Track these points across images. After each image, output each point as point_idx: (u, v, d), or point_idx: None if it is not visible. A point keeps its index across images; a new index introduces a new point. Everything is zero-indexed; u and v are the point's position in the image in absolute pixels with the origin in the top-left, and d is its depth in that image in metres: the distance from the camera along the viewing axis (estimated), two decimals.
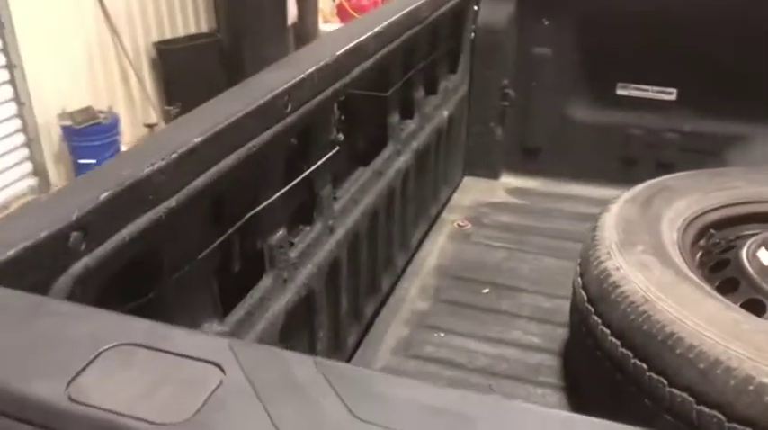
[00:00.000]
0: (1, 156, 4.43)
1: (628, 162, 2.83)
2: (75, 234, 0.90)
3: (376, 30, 1.79)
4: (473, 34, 2.73)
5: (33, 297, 0.77)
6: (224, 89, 5.46)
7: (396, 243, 2.21)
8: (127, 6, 5.36)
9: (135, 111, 5.52)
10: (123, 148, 5.07)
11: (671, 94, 2.72)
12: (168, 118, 5.26)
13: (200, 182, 1.15)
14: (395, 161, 2.10)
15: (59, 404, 0.60)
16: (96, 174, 1.03)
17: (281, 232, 1.49)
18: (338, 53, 1.61)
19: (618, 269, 1.60)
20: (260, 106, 1.31)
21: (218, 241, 1.27)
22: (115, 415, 0.59)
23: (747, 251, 1.74)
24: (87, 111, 4.81)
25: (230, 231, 1.31)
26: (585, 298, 1.68)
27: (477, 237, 2.54)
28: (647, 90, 2.75)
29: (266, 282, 1.46)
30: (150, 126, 5.06)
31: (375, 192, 1.95)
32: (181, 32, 6.04)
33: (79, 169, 4.82)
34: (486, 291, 2.26)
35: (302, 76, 1.46)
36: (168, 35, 5.88)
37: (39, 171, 4.73)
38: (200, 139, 1.14)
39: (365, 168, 1.94)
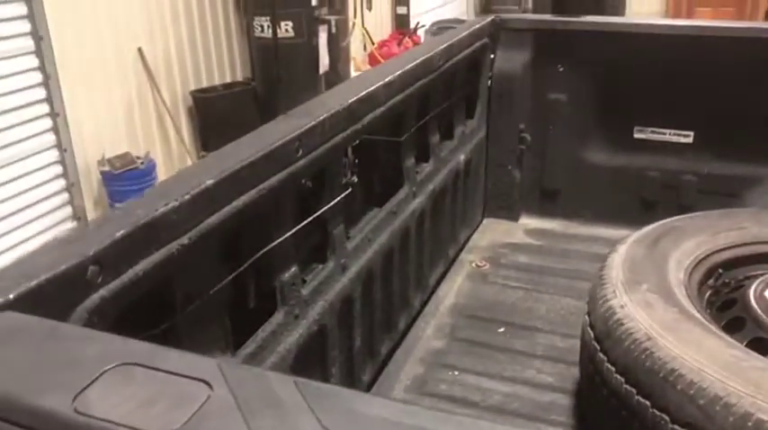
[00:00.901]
0: (43, 201, 4.63)
1: (646, 204, 2.86)
2: (92, 268, 0.99)
3: (387, 79, 1.89)
4: (490, 81, 2.81)
5: (49, 322, 0.85)
6: None
7: (412, 282, 2.27)
8: (165, 56, 5.60)
9: (171, 157, 5.72)
10: None
11: (688, 137, 2.76)
12: None
13: (211, 221, 1.23)
14: (410, 202, 2.17)
15: (66, 415, 0.68)
16: (114, 214, 1.13)
17: (293, 269, 1.56)
18: (349, 101, 1.70)
19: (623, 307, 1.64)
20: (271, 151, 1.40)
21: (230, 277, 1.34)
22: (115, 425, 0.67)
23: (755, 291, 1.76)
24: (125, 157, 5.00)
25: (242, 268, 1.39)
26: (593, 335, 1.71)
27: (494, 277, 2.59)
28: (665, 133, 2.80)
29: (278, 317, 1.53)
30: None
31: (389, 232, 2.02)
32: (217, 81, 6.27)
33: None
34: (501, 330, 2.30)
35: (313, 122, 1.55)
36: (205, 83, 6.11)
37: (78, 214, 4.91)
38: (211, 182, 1.23)
39: (379, 209, 2.02)
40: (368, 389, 2.01)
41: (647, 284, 1.70)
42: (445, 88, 2.40)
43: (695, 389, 1.40)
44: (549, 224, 2.96)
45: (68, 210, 4.88)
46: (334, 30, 6.69)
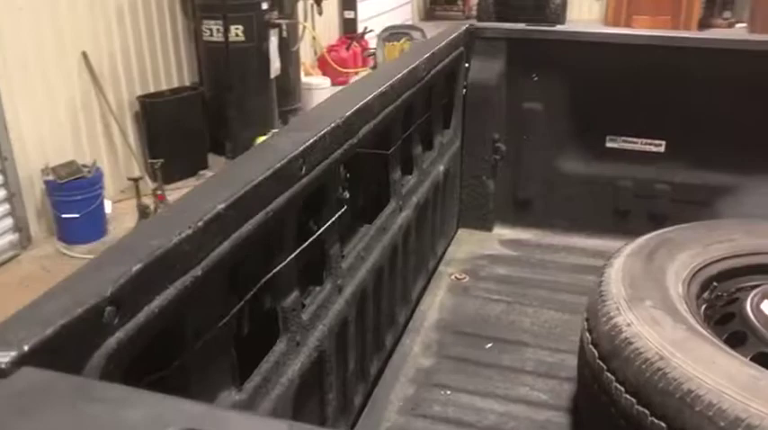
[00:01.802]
0: None
1: (619, 213, 2.87)
2: (109, 308, 0.89)
3: (380, 90, 1.82)
4: (464, 90, 2.77)
5: (75, 379, 0.75)
6: (207, 142, 5.52)
7: (398, 298, 2.20)
8: (111, 60, 5.38)
9: (118, 165, 5.50)
10: (107, 203, 5.03)
11: (660, 146, 2.78)
12: (153, 172, 5.23)
13: (223, 249, 1.14)
14: (397, 217, 2.10)
15: None
16: (125, 246, 1.02)
17: (294, 294, 1.47)
18: (347, 114, 1.62)
19: (629, 325, 1.61)
20: (277, 170, 1.31)
21: (238, 307, 1.25)
22: None
23: (751, 304, 1.76)
24: (71, 166, 4.77)
25: (248, 296, 1.30)
26: (597, 354, 1.67)
27: (475, 291, 2.54)
28: (637, 143, 2.81)
29: (280, 346, 1.44)
30: (134, 180, 5.02)
31: (380, 249, 1.95)
32: (164, 86, 6.06)
33: (61, 224, 4.76)
34: (489, 346, 2.25)
35: (315, 138, 1.47)
36: (152, 89, 5.90)
37: (20, 226, 4.66)
38: (223, 206, 1.13)
39: (369, 225, 1.94)
40: (359, 412, 1.93)
41: (651, 301, 1.67)
42: (426, 98, 2.35)
43: (714, 411, 1.37)
44: (524, 234, 2.94)
45: (9, 221, 4.61)
46: (285, 34, 6.58)
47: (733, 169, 2.66)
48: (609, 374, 1.61)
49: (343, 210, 1.68)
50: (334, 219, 1.63)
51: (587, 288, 2.54)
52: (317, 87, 7.84)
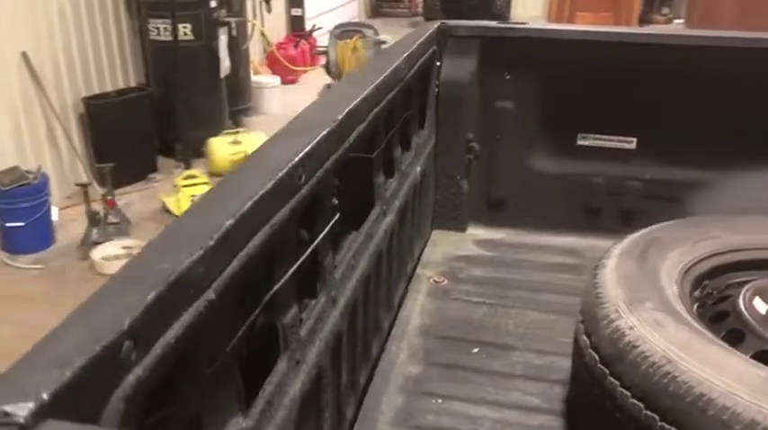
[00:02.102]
0: None
1: (591, 211, 2.87)
2: (127, 343, 0.80)
3: (367, 91, 1.75)
4: (437, 90, 2.73)
5: None
6: (156, 144, 5.34)
7: (382, 305, 2.14)
8: (53, 61, 5.15)
9: (64, 170, 5.27)
10: (54, 210, 4.81)
11: (631, 143, 2.79)
12: (101, 177, 5.03)
13: (233, 268, 1.06)
14: (382, 221, 2.04)
15: None
16: (134, 271, 0.92)
17: (294, 310, 1.40)
18: (340, 117, 1.55)
19: (632, 328, 1.58)
20: (279, 180, 1.23)
21: (243, 328, 1.17)
22: None
23: (744, 300, 1.76)
24: (14, 172, 4.54)
25: (253, 316, 1.22)
26: (598, 358, 1.65)
27: (456, 293, 2.50)
28: (607, 140, 2.81)
29: (282, 365, 1.36)
30: (83, 185, 4.82)
31: (368, 256, 1.88)
32: (109, 87, 5.84)
33: (5, 233, 4.53)
34: (475, 350, 2.21)
35: (312, 144, 1.39)
36: (96, 90, 5.68)
37: None
38: (231, 222, 1.05)
39: (357, 232, 1.87)
40: (351, 425, 1.86)
41: (651, 302, 1.65)
42: (405, 99, 2.29)
43: (729, 415, 1.35)
44: (497, 234, 2.91)
45: None
46: (234, 32, 6.42)
47: (702, 165, 2.68)
48: (613, 379, 1.59)
49: (336, 218, 1.61)
50: (328, 227, 1.56)
51: (567, 287, 2.56)
52: (268, 86, 7.70)
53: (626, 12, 11.07)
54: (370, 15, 12.54)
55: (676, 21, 11.35)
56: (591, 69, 2.71)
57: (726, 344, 1.54)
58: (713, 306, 1.84)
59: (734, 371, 1.43)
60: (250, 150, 6.21)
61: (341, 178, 1.79)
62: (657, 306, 1.65)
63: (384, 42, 6.76)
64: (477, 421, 1.91)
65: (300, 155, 1.33)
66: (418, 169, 2.48)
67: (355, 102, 1.66)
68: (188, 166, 5.91)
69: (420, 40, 2.36)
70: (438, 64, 2.72)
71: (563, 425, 1.91)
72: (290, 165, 1.28)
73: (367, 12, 12.52)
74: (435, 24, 2.69)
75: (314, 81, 8.70)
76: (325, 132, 1.46)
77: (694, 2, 10.72)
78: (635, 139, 2.78)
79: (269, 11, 7.15)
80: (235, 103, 6.80)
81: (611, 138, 2.81)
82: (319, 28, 9.26)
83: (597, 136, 2.81)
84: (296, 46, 8.81)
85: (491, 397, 2.01)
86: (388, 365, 2.13)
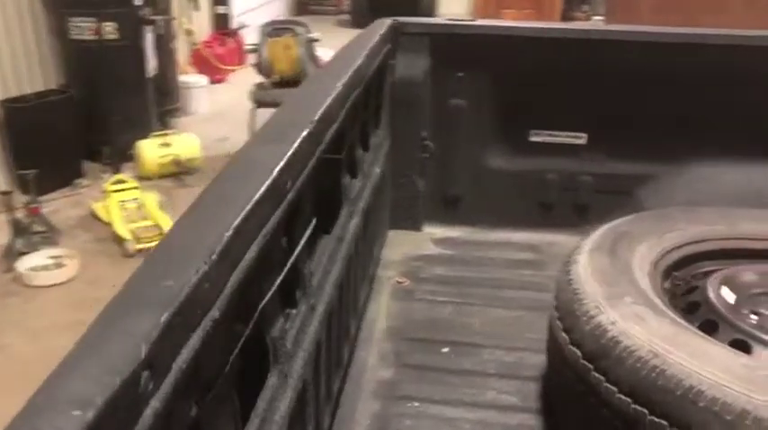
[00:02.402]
0: None
1: (546, 206, 2.90)
2: (145, 373, 0.72)
3: (337, 91, 1.70)
4: (391, 88, 2.69)
5: None
6: (81, 149, 5.08)
7: (351, 309, 2.09)
8: None
9: None
10: None
11: (582, 139, 2.83)
12: (23, 184, 4.76)
13: (233, 283, 0.98)
14: (349, 224, 1.98)
15: None
16: (137, 290, 0.84)
17: (280, 321, 1.33)
18: (316, 119, 1.49)
19: (614, 323, 1.59)
20: (269, 187, 1.16)
21: (240, 344, 1.09)
22: None
23: (714, 291, 1.80)
24: None
25: (248, 331, 1.14)
26: (580, 355, 1.64)
27: (419, 294, 2.47)
28: (559, 136, 2.84)
29: (272, 380, 1.29)
30: (4, 193, 4.55)
31: (339, 261, 1.83)
32: (28, 89, 5.53)
33: None
34: (445, 350, 2.19)
35: (294, 147, 1.33)
36: (14, 93, 5.37)
37: None
38: (230, 233, 0.98)
39: (329, 236, 1.81)
40: None
41: (629, 297, 1.66)
42: (365, 98, 2.24)
43: (719, 405, 1.37)
44: (454, 232, 2.90)
45: None
46: (161, 31, 6.21)
47: (651, 159, 2.74)
48: (597, 374, 1.59)
49: (313, 223, 1.55)
50: (308, 233, 1.49)
51: (529, 283, 2.57)
52: (195, 86, 7.50)
53: (548, 9, 11.34)
54: (296, 13, 12.39)
55: (595, 17, 11.69)
56: (542, 66, 2.73)
57: (708, 336, 1.57)
58: (684, 297, 1.87)
59: (720, 361, 1.45)
60: (181, 153, 6.02)
61: (313, 181, 1.73)
62: (636, 300, 1.66)
63: (317, 40, 6.67)
64: (455, 423, 1.88)
65: (285, 159, 1.27)
66: (377, 169, 2.44)
67: (328, 102, 1.60)
68: (116, 171, 5.68)
69: (377, 38, 2.31)
70: (391, 62, 2.68)
71: (542, 423, 1.91)
72: (277, 170, 1.21)
73: (292, 9, 12.36)
74: (388, 22, 2.64)
75: (243, 80, 8.52)
76: (304, 134, 1.39)
77: (611, 2, 11.09)
78: (586, 135, 2.82)
79: (197, 8, 6.94)
80: (162, 103, 6.58)
81: (563, 134, 2.84)
82: (246, 26, 9.08)
83: (549, 132, 2.84)
84: (222, 44, 8.60)
85: (467, 397, 1.98)
86: (359, 371, 2.07)
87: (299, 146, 1.35)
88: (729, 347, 1.53)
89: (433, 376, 2.06)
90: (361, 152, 2.22)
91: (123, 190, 5.34)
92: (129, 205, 5.23)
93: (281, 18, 9.49)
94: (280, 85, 6.58)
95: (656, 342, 1.50)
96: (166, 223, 5.17)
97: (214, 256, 0.92)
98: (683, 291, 1.90)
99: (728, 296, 1.81)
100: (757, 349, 1.61)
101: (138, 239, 4.87)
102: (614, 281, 1.74)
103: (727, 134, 2.64)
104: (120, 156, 5.77)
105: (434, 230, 2.90)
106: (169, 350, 0.79)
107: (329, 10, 12.57)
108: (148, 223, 5.06)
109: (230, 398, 1.08)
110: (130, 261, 4.89)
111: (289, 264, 1.35)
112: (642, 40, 2.69)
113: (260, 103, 6.64)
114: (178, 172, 6.06)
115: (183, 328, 0.83)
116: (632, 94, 2.71)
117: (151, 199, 5.39)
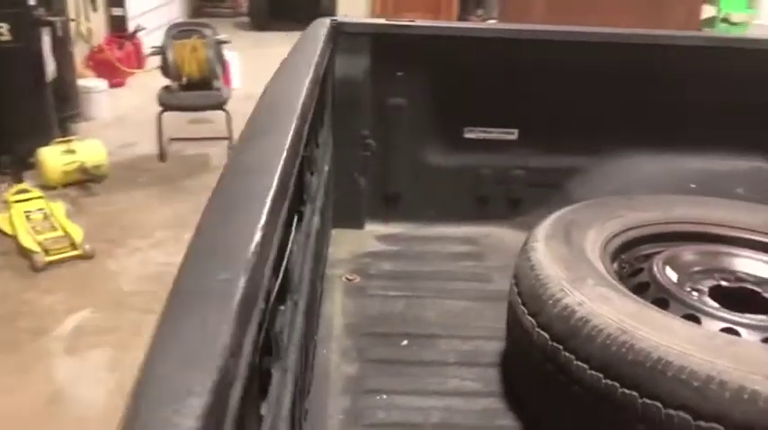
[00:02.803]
0: None
1: (480, 200, 3.00)
2: (232, 360, 0.72)
3: (306, 90, 1.71)
4: (333, 87, 2.71)
5: None
6: None
7: (316, 307, 2.10)
8: None
9: None
10: None
11: (512, 135, 2.96)
12: None
13: (265, 283, 0.99)
14: (313, 221, 2.00)
15: None
16: (196, 284, 0.83)
17: (277, 316, 1.33)
18: (295, 118, 1.50)
19: (581, 304, 1.68)
20: (278, 184, 1.17)
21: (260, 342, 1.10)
22: None
23: (660, 272, 1.94)
24: None
25: (266, 323, 1.14)
26: (548, 336, 1.73)
27: (371, 290, 2.51)
28: (491, 132, 2.96)
29: (276, 376, 1.29)
30: None
31: (309, 257, 1.84)
32: None
33: None
34: (404, 343, 2.23)
35: (287, 146, 1.34)
36: None
37: None
38: (260, 235, 0.98)
39: (298, 232, 1.82)
40: None
41: (591, 279, 1.77)
42: (321, 96, 2.26)
43: (687, 374, 1.49)
44: (396, 228, 2.95)
45: None
46: (60, 33, 5.93)
47: (580, 153, 2.90)
48: (567, 354, 1.68)
49: (296, 219, 1.56)
50: (293, 229, 1.50)
51: (471, 274, 2.67)
52: (95, 90, 7.22)
53: (445, 12, 11.64)
54: (192, 15, 12.11)
55: (490, 21, 12.10)
56: (475, 65, 2.83)
57: (668, 312, 1.69)
58: (631, 278, 2.01)
59: (682, 334, 1.57)
60: (86, 160, 5.79)
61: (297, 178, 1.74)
62: (598, 282, 1.76)
63: (226, 42, 6.57)
64: (425, 412, 1.93)
65: (284, 156, 1.28)
66: (326, 168, 2.46)
67: (301, 101, 1.61)
68: (18, 180, 5.39)
69: (323, 38, 2.34)
70: (333, 62, 2.70)
71: (506, 405, 1.99)
72: (280, 166, 1.22)
73: (188, 12, 12.08)
74: (327, 22, 2.67)
75: (143, 84, 8.26)
76: (291, 132, 1.40)
77: (505, 3, 11.53)
78: (516, 131, 2.95)
79: (95, 9, 6.67)
80: (62, 109, 6.29)
81: (494, 130, 2.95)
82: (143, 28, 8.80)
83: (482, 129, 2.94)
84: (120, 47, 8.30)
85: (432, 387, 2.04)
86: (324, 368, 2.09)
87: (291, 142, 1.36)
88: (687, 321, 1.66)
89: (397, 369, 2.11)
90: (317, 149, 2.24)
91: (27, 200, 5.08)
92: (35, 216, 4.98)
93: (182, 20, 9.25)
94: (187, 87, 6.44)
95: (624, 319, 1.61)
96: (77, 233, 4.97)
97: (256, 249, 0.92)
98: (630, 272, 2.04)
99: (672, 275, 1.96)
100: (706, 321, 1.75)
101: (47, 251, 4.65)
102: (574, 265, 1.84)
103: (647, 128, 2.83)
104: (21, 165, 5.47)
105: (376, 228, 2.95)
106: (240, 338, 0.79)
107: (226, 12, 12.38)
108: (57, 234, 4.85)
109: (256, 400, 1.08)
110: (40, 275, 4.67)
111: (286, 258, 1.36)
112: (568, 39, 2.85)
113: (167, 107, 6.48)
114: (84, 179, 5.82)
115: (247, 316, 0.83)
116: (559, 91, 2.85)
117: (58, 208, 5.15)
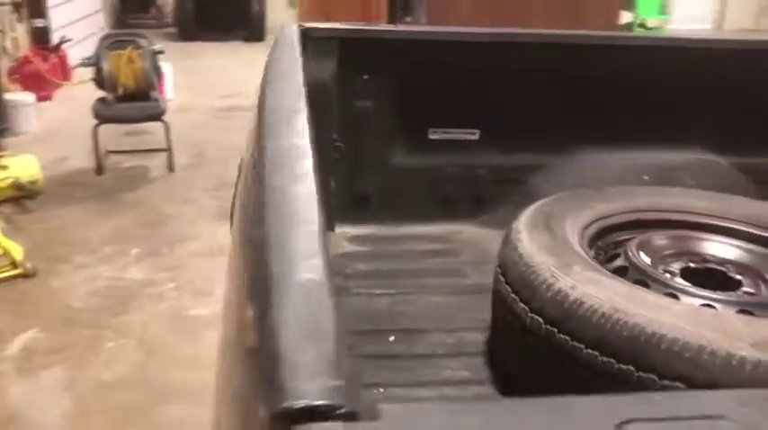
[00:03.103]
0: None
1: (447, 199, 3.09)
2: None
3: (302, 100, 1.77)
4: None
5: None
6: None
7: None
8: None
9: None
10: None
11: (474, 135, 3.06)
12: None
13: None
14: None
15: None
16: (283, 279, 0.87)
17: None
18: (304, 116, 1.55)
19: (573, 288, 1.78)
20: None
21: None
22: None
23: (636, 256, 2.07)
24: None
25: None
26: (542, 321, 1.82)
27: (353, 289, 2.55)
28: (454, 132, 3.05)
29: None
30: None
31: None
32: None
33: None
34: (392, 338, 2.29)
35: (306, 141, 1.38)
36: None
37: None
38: (319, 222, 1.04)
39: None
40: None
41: (579, 265, 1.87)
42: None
43: (680, 345, 1.60)
44: (366, 230, 3.00)
45: None
46: None
47: (540, 150, 3.03)
48: (563, 336, 1.77)
49: None
50: None
51: (445, 270, 2.76)
52: (22, 104, 6.99)
53: (374, 19, 11.77)
54: (116, 27, 11.82)
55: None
56: (437, 67, 2.92)
57: (654, 292, 1.81)
58: (609, 263, 2.12)
59: (670, 309, 1.69)
60: (21, 175, 5.61)
61: None
62: (585, 267, 1.87)
63: (161, 52, 6.47)
64: (424, 402, 1.99)
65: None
66: None
67: (302, 102, 1.66)
68: None
69: (294, 45, 2.37)
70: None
71: (495, 390, 2.07)
72: (310, 163, 1.27)
73: (112, 23, 11.78)
74: (295, 27, 2.70)
75: (71, 96, 8.03)
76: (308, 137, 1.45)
77: (431, 12, 11.76)
78: (478, 131, 3.05)
79: (19, 21, 6.45)
80: None
81: (457, 131, 3.05)
82: (68, 40, 8.56)
83: (445, 130, 3.04)
84: (45, 60, 8.04)
85: (426, 378, 2.10)
86: None
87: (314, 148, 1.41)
88: (673, 298, 1.78)
89: (390, 363, 2.16)
90: None
91: None
92: None
93: (109, 31, 9.04)
94: (124, 99, 6.32)
95: (616, 299, 1.72)
96: (17, 251, 4.82)
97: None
98: (607, 258, 2.16)
99: (646, 259, 2.09)
100: (684, 299, 1.88)
101: None
102: (561, 253, 1.94)
103: (601, 125, 2.99)
104: None
105: (347, 230, 2.99)
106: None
107: (150, 23, 12.13)
108: None
109: None
110: None
111: None
112: (523, 41, 2.98)
113: (104, 119, 6.34)
114: (18, 196, 5.63)
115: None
116: (517, 92, 2.97)
117: None
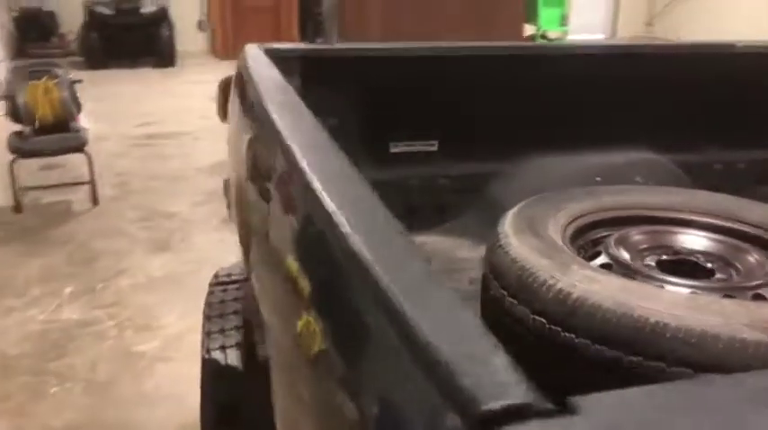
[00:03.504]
0: None
1: (411, 209, 3.13)
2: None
3: (295, 114, 1.77)
4: None
5: None
6: None
7: None
8: None
9: None
10: None
11: (433, 146, 3.12)
12: None
13: None
14: None
15: None
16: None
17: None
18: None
19: (574, 286, 1.84)
20: None
21: None
22: None
23: (618, 252, 2.16)
24: None
25: None
26: (546, 321, 1.87)
27: None
28: (413, 145, 3.10)
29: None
30: None
31: None
32: None
33: None
34: None
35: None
36: None
37: None
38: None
39: None
40: None
41: (574, 265, 1.94)
42: None
43: (683, 332, 1.68)
44: None
45: None
46: None
47: (495, 158, 3.12)
48: (568, 334, 1.83)
49: None
50: None
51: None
52: None
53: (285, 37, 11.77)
54: (15, 56, 11.29)
55: None
56: (394, 83, 2.97)
57: (648, 284, 1.89)
58: (593, 260, 2.21)
59: (668, 299, 1.77)
60: None
61: None
62: (580, 266, 1.94)
63: (79, 81, 6.24)
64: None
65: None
66: None
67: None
68: None
69: (272, 65, 2.37)
70: None
71: None
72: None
73: (12, 53, 11.25)
74: (259, 48, 2.69)
75: None
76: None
77: (343, 34, 11.86)
78: (436, 142, 3.11)
79: None
80: None
81: (416, 143, 3.10)
82: None
83: (405, 143, 3.08)
84: None
85: None
86: None
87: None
88: (666, 289, 1.87)
89: None
90: None
91: None
92: None
93: (19, 62, 8.62)
94: (42, 131, 6.06)
95: (617, 293, 1.79)
96: None
97: None
98: (589, 256, 2.24)
99: (626, 255, 2.19)
100: (671, 289, 1.97)
101: None
102: (553, 254, 2.00)
103: (552, 131, 3.11)
104: None
105: None
106: None
107: (54, 53, 11.65)
108: None
109: None
110: None
111: None
112: (474, 54, 3.07)
113: (21, 153, 6.05)
114: None
115: None
116: (471, 103, 3.06)
117: None
